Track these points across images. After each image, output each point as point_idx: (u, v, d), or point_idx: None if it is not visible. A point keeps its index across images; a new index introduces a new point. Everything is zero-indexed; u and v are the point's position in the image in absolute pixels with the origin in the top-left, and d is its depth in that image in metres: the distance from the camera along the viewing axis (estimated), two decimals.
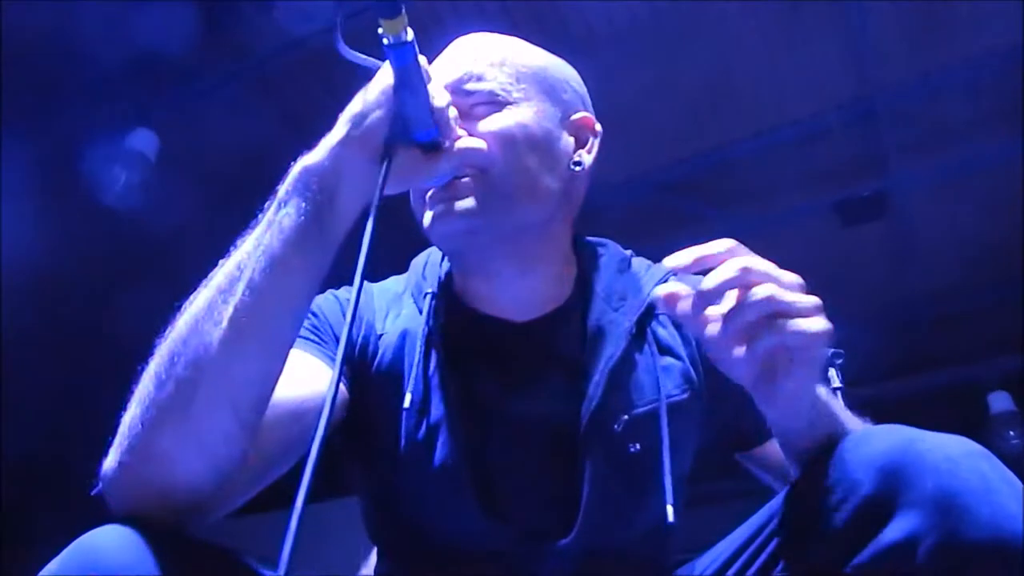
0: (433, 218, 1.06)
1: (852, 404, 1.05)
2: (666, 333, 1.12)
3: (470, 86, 1.09)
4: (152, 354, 0.85)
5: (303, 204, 0.88)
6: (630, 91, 3.10)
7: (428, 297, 1.14)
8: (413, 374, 1.07)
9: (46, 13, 2.61)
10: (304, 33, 2.73)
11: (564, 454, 1.03)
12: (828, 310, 0.79)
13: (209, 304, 0.84)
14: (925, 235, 3.93)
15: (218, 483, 0.83)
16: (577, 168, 1.12)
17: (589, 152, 1.15)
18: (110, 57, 2.69)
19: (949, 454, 0.77)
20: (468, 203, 1.04)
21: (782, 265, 0.80)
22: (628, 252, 1.22)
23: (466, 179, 1.04)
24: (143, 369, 0.85)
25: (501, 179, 1.04)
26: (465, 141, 1.01)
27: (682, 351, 1.11)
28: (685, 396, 1.08)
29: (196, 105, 3.07)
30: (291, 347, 0.91)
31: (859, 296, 4.25)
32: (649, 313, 1.12)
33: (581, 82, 1.21)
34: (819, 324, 0.78)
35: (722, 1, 2.88)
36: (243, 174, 2.95)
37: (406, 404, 1.04)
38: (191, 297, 0.87)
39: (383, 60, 0.94)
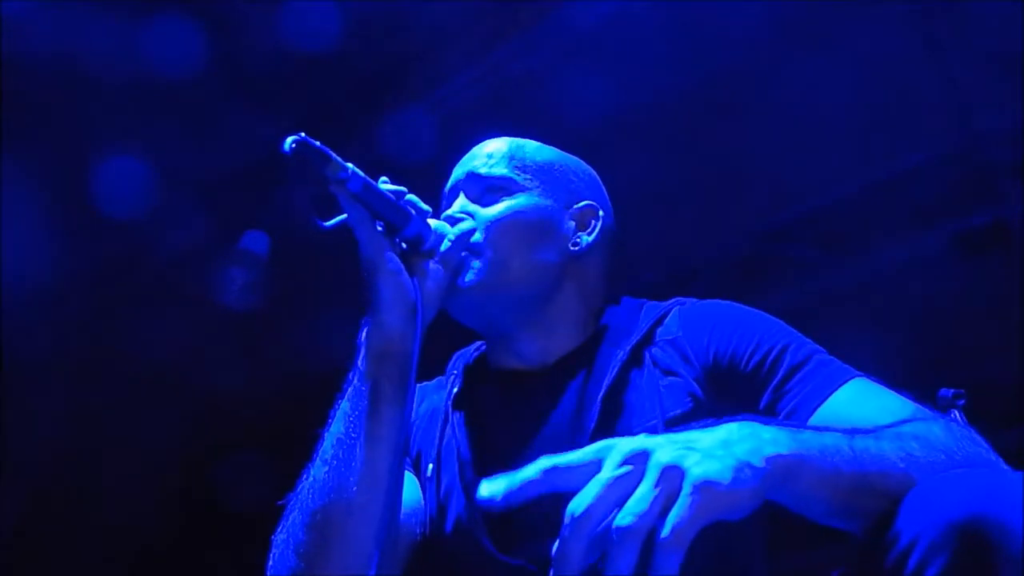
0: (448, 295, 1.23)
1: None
2: (666, 355, 1.20)
3: (482, 171, 1.30)
4: (282, 530, 1.08)
5: (391, 370, 1.08)
6: (722, 138, 3.06)
7: (452, 377, 1.31)
8: (435, 446, 1.23)
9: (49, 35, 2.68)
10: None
11: None
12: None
13: (332, 472, 1.04)
14: None
15: None
16: (575, 248, 1.29)
17: (589, 234, 1.31)
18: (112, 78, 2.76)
19: None
20: (469, 279, 1.22)
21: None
22: (642, 300, 1.37)
23: (470, 261, 1.22)
24: (274, 547, 1.08)
25: (496, 258, 1.23)
26: (448, 229, 1.20)
27: (682, 369, 1.19)
28: (689, 407, 1.15)
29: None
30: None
31: (990, 331, 4.00)
32: (648, 340, 1.22)
33: (592, 176, 1.39)
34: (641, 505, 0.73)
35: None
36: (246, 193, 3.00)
37: (428, 473, 1.20)
38: (308, 472, 1.08)
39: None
